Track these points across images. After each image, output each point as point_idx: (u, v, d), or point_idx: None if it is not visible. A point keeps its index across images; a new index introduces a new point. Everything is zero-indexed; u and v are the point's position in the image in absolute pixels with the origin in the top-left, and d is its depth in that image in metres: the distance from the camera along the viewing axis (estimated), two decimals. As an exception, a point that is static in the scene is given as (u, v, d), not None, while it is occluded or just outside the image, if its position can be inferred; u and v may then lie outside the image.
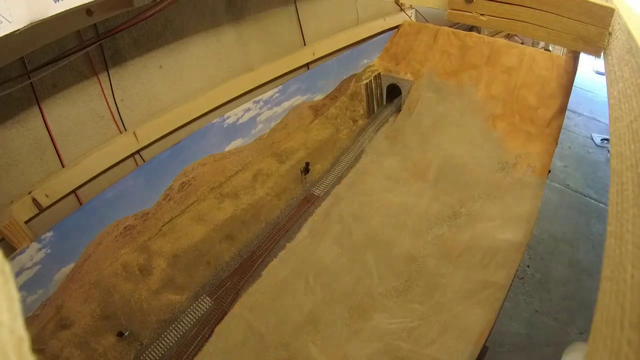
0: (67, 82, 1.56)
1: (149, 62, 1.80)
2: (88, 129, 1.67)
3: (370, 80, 2.69)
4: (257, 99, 2.21)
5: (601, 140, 3.80)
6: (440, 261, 1.80)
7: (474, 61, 2.49)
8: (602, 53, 1.41)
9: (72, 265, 1.60)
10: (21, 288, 1.45)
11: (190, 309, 1.74)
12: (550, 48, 3.60)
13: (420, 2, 2.22)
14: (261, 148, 2.29)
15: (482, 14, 1.69)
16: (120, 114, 1.75)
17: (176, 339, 1.64)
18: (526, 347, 2.20)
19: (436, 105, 2.53)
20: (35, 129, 1.50)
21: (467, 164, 2.21)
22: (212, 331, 1.66)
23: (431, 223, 1.99)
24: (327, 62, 2.55)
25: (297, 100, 2.44)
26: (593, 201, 3.14)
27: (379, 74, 2.74)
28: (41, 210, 1.52)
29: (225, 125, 2.08)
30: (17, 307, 0.21)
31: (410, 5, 2.93)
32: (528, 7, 1.56)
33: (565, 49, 2.56)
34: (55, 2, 0.94)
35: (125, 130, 1.78)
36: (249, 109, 2.18)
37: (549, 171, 2.06)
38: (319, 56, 2.54)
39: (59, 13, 0.95)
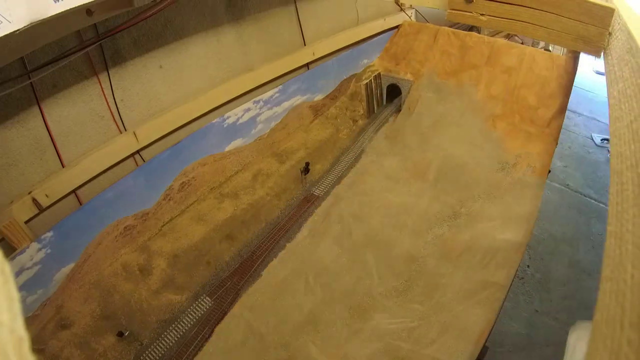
0: (67, 82, 1.56)
1: (149, 62, 1.80)
2: (88, 129, 1.67)
3: (370, 80, 2.69)
4: (257, 99, 2.21)
5: (601, 140, 3.79)
6: (440, 261, 1.80)
7: (474, 61, 2.49)
8: (602, 53, 1.41)
9: (72, 265, 1.60)
10: (21, 288, 1.45)
11: (190, 309, 1.74)
12: (550, 48, 3.60)
13: (420, 2, 2.23)
14: (261, 148, 2.29)
15: (482, 14, 1.69)
16: (120, 114, 1.75)
17: (176, 339, 1.64)
18: (526, 347, 2.20)
19: (436, 105, 2.53)
20: (35, 129, 1.50)
21: (467, 164, 2.21)
22: (212, 331, 1.66)
23: (431, 223, 1.99)
24: (327, 62, 2.55)
25: (297, 100, 2.44)
26: (593, 201, 3.14)
27: (379, 74, 2.74)
28: (41, 210, 1.52)
29: (225, 125, 2.08)
30: (17, 307, 0.21)
31: (410, 5, 2.93)
32: (528, 7, 1.56)
33: (565, 49, 2.56)
34: (55, 2, 0.94)
35: (125, 130, 1.78)
36: (249, 109, 2.18)
37: (549, 171, 2.06)
38: (319, 56, 2.54)
39: (59, 13, 0.95)
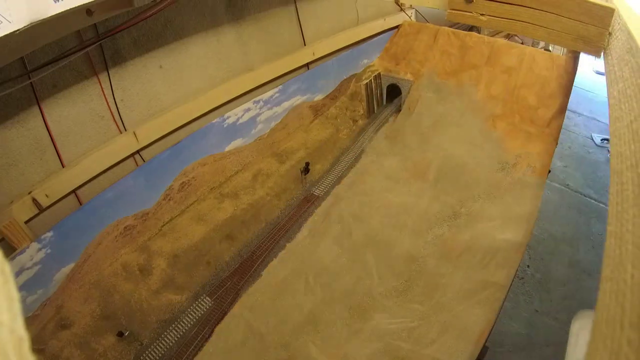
0: (67, 82, 1.56)
1: (149, 62, 1.80)
2: (88, 129, 1.67)
3: (370, 80, 2.69)
4: (257, 99, 2.21)
5: (601, 140, 3.79)
6: (440, 261, 1.80)
7: (474, 61, 2.49)
8: (602, 53, 1.41)
9: (72, 265, 1.60)
10: (21, 288, 1.45)
11: (190, 309, 1.74)
12: (550, 48, 3.60)
13: (420, 2, 2.23)
14: (261, 148, 2.29)
15: (482, 14, 1.69)
16: (120, 114, 1.75)
17: (176, 339, 1.64)
18: (526, 347, 2.20)
19: (436, 105, 2.53)
20: (35, 129, 1.50)
21: (467, 164, 2.21)
22: (212, 331, 1.66)
23: (431, 223, 1.99)
24: (327, 62, 2.55)
25: (297, 100, 2.44)
26: (593, 201, 3.14)
27: (379, 74, 2.74)
28: (41, 210, 1.52)
29: (225, 125, 2.08)
30: (17, 307, 0.21)
31: (410, 5, 2.93)
32: (528, 7, 1.56)
33: (565, 49, 2.56)
34: (55, 2, 0.94)
35: (125, 130, 1.78)
36: (249, 109, 2.18)
37: (549, 171, 2.06)
38: (319, 56, 2.54)
39: (59, 13, 0.95)
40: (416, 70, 2.67)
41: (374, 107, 2.79)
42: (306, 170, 2.32)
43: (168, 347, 1.62)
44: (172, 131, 1.94)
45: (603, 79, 1.35)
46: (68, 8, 0.97)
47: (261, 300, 1.76)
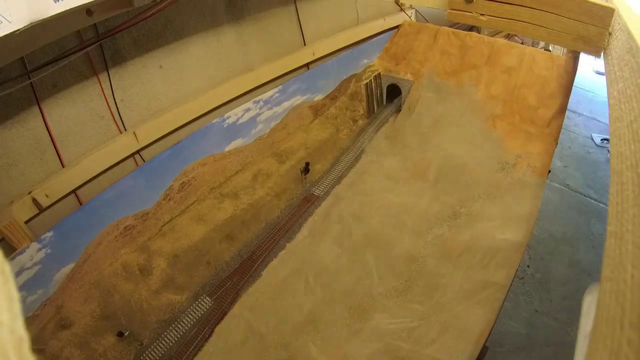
0: (67, 82, 1.56)
1: (149, 62, 1.80)
2: (88, 129, 1.67)
3: (370, 80, 2.69)
4: (257, 99, 2.21)
5: (601, 140, 3.80)
6: (440, 261, 1.80)
7: (474, 61, 2.49)
8: (602, 53, 1.41)
9: (72, 265, 1.60)
10: (21, 288, 1.45)
11: (190, 309, 1.74)
12: (550, 48, 3.60)
13: (420, 2, 2.22)
14: (261, 148, 2.29)
15: (482, 14, 1.69)
16: (120, 114, 1.75)
17: (176, 339, 1.64)
18: (526, 347, 2.20)
19: (436, 105, 2.53)
20: (35, 129, 1.50)
21: (467, 164, 2.21)
22: (212, 331, 1.66)
23: (431, 223, 1.99)
24: (327, 62, 2.55)
25: (297, 100, 2.44)
26: (593, 201, 3.14)
27: (379, 74, 2.74)
28: (41, 210, 1.52)
29: (225, 125, 2.08)
30: (17, 307, 0.21)
31: (410, 5, 2.93)
32: (528, 7, 1.56)
33: (565, 49, 2.56)
34: (55, 2, 0.94)
35: (125, 130, 1.78)
36: (249, 109, 2.18)
37: (549, 171, 2.06)
38: (319, 56, 2.54)
39: (59, 13, 0.95)
40: (416, 70, 2.67)
41: (374, 107, 2.79)
42: (306, 170, 2.32)
43: (168, 347, 1.62)
44: (172, 131, 1.94)
45: (603, 79, 1.35)
46: (68, 8, 0.97)
47: (261, 300, 1.76)
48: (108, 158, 1.71)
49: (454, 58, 2.57)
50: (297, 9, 2.38)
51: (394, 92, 2.77)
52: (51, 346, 1.47)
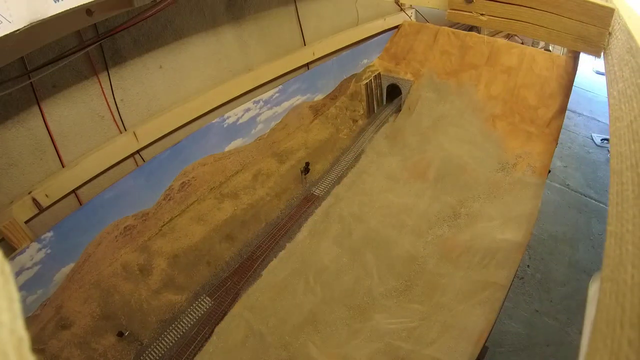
0: (67, 82, 1.56)
1: (149, 62, 1.80)
2: (88, 129, 1.67)
3: (370, 80, 2.69)
4: (257, 99, 2.21)
5: (601, 140, 3.80)
6: (440, 261, 1.80)
7: (474, 61, 2.49)
8: (602, 53, 1.41)
9: (72, 265, 1.60)
10: (21, 288, 1.45)
11: (190, 309, 1.74)
12: (550, 48, 3.60)
13: (420, 2, 2.22)
14: (261, 148, 2.29)
15: (482, 14, 1.69)
16: (120, 114, 1.75)
17: (176, 339, 1.64)
18: (526, 347, 2.20)
19: (436, 105, 2.53)
20: (35, 129, 1.50)
21: (467, 164, 2.21)
22: (212, 331, 1.66)
23: (431, 223, 1.99)
24: (327, 62, 2.55)
25: (297, 100, 2.44)
26: (593, 201, 3.14)
27: (379, 74, 2.74)
28: (41, 210, 1.52)
29: (225, 125, 2.08)
30: (17, 307, 0.21)
31: (410, 5, 2.93)
32: (528, 7, 1.56)
33: (565, 49, 2.56)
34: (55, 2, 0.94)
35: (125, 130, 1.78)
36: (249, 109, 2.18)
37: (549, 171, 2.06)
38: (319, 56, 2.54)
39: (59, 13, 0.95)
40: (416, 70, 2.67)
41: (374, 107, 2.79)
42: (306, 170, 2.32)
43: (168, 347, 1.62)
44: (172, 131, 1.94)
45: (603, 79, 1.35)
46: (68, 8, 0.97)
47: (261, 300, 1.76)
48: (108, 158, 1.71)
49: (454, 58, 2.57)
50: (297, 9, 2.38)
51: (394, 92, 2.77)
52: (51, 346, 1.47)
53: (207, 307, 1.75)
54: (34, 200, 1.48)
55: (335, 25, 2.66)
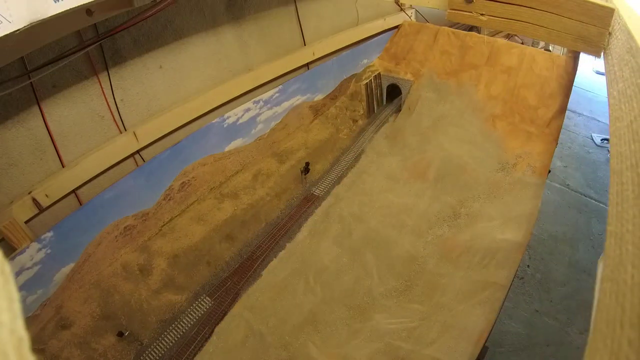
0: (67, 82, 1.56)
1: (149, 62, 1.80)
2: (88, 129, 1.67)
3: (370, 80, 2.69)
4: (257, 99, 2.21)
5: (601, 140, 3.80)
6: (440, 261, 1.79)
7: (474, 61, 2.49)
8: (602, 53, 1.41)
9: (72, 265, 1.60)
10: (21, 288, 1.45)
11: (190, 309, 1.74)
12: (550, 48, 3.60)
13: (420, 2, 2.22)
14: (261, 148, 2.29)
15: (482, 14, 1.69)
16: (120, 114, 1.75)
17: (176, 339, 1.64)
18: (526, 347, 2.20)
19: (436, 105, 2.53)
20: (35, 129, 1.50)
21: (467, 164, 2.21)
22: (212, 331, 1.66)
23: (431, 223, 1.99)
24: (327, 62, 2.55)
25: (297, 100, 2.44)
26: (593, 201, 3.14)
27: (379, 74, 2.74)
28: (41, 210, 1.52)
29: (225, 125, 2.08)
30: (17, 307, 0.21)
31: (410, 5, 2.93)
32: (528, 7, 1.56)
33: (565, 49, 2.56)
34: (55, 2, 0.94)
35: (125, 130, 1.78)
36: (249, 109, 2.18)
37: (549, 171, 2.06)
38: (319, 56, 2.54)
39: (59, 13, 0.95)
40: (416, 70, 2.67)
41: (374, 107, 2.79)
42: (306, 170, 2.32)
43: (168, 347, 1.62)
44: (172, 131, 1.94)
45: (603, 79, 1.35)
46: (68, 8, 0.97)
47: (261, 300, 1.76)
48: (108, 158, 1.71)
49: (454, 58, 2.57)
50: (297, 9, 2.38)
51: (394, 92, 2.77)
52: (51, 346, 1.47)
53: (207, 307, 1.75)
54: (34, 200, 1.48)
55: (335, 25, 2.66)
